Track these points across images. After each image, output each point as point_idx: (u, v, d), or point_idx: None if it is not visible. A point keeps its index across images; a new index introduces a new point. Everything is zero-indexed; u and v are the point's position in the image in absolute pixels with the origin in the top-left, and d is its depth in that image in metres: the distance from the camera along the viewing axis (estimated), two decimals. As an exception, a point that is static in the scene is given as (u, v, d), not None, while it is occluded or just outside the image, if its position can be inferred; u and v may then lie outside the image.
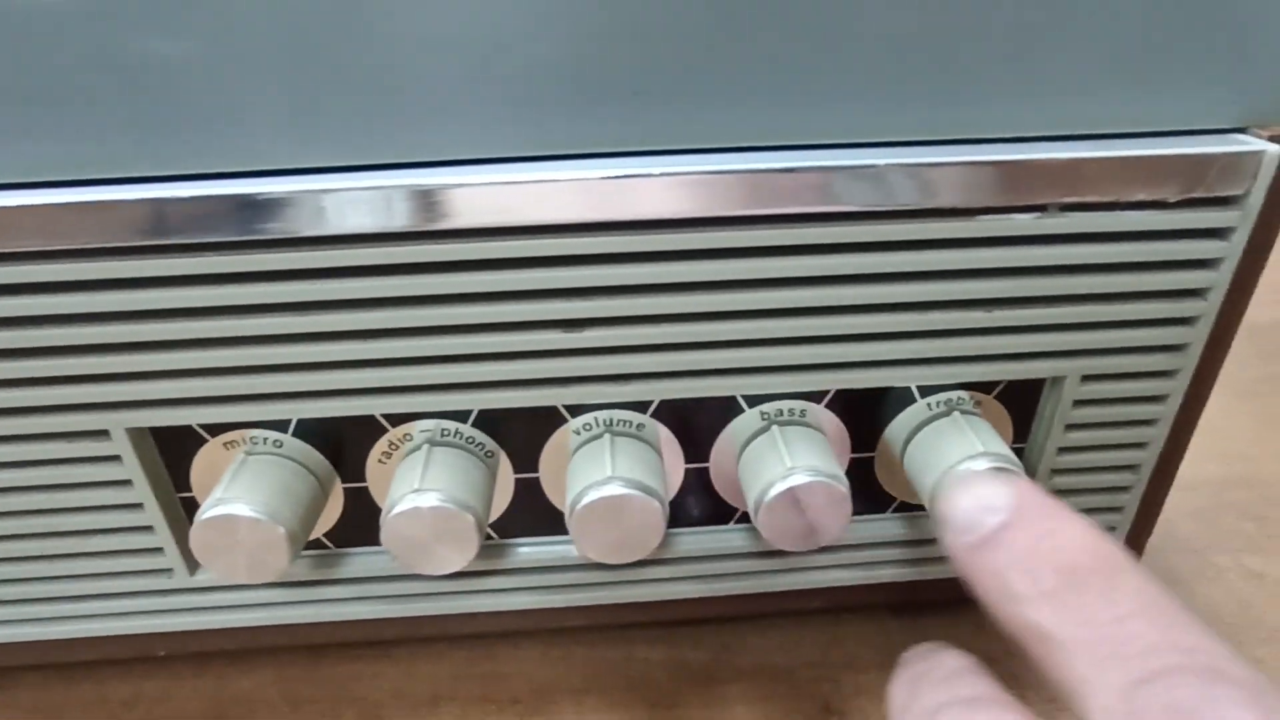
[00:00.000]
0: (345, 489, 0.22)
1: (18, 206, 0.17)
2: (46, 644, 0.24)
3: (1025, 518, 0.15)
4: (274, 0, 0.16)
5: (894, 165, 0.18)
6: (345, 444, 0.22)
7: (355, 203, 0.17)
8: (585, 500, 0.19)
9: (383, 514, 0.20)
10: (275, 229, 0.18)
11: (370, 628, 0.24)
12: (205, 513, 0.19)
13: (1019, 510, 0.15)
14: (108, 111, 0.17)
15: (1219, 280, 0.19)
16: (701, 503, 0.23)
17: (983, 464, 0.20)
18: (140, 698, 0.27)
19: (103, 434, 0.20)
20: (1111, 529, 0.24)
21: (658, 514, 0.19)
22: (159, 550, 0.22)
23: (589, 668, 0.27)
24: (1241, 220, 0.19)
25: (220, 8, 0.16)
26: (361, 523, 0.23)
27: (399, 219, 0.18)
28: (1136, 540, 0.24)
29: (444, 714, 0.26)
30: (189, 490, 0.22)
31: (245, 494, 0.20)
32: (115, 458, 0.20)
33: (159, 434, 0.21)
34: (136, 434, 0.20)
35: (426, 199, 0.17)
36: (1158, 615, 0.14)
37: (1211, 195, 0.18)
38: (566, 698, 0.26)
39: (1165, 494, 0.24)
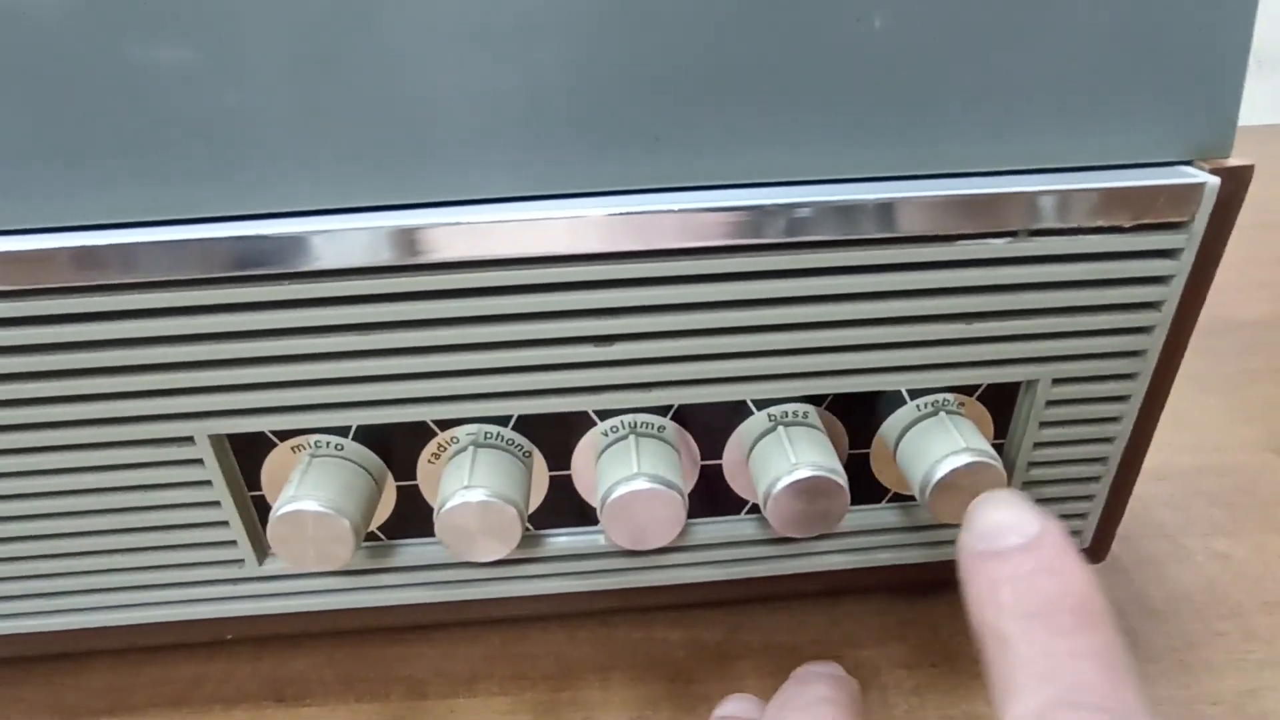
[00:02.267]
0: (398, 486, 0.25)
1: (117, 244, 0.20)
2: (126, 629, 0.26)
3: (1040, 550, 0.17)
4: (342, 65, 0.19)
5: (884, 199, 0.20)
6: (398, 446, 0.24)
7: (407, 238, 0.20)
8: (615, 494, 0.22)
9: (436, 508, 0.22)
10: (337, 261, 0.20)
11: (417, 612, 0.27)
12: (280, 508, 0.22)
13: (1038, 541, 0.17)
14: (193, 164, 0.19)
15: (1171, 294, 0.22)
16: (715, 495, 0.26)
17: (965, 458, 0.23)
18: (205, 679, 0.29)
19: (188, 440, 0.23)
20: (1083, 515, 0.26)
21: (679, 506, 0.22)
22: (233, 543, 0.25)
23: (612, 647, 0.30)
24: (1188, 242, 0.21)
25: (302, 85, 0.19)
26: (412, 516, 0.25)
27: (449, 250, 0.20)
28: (1107, 526, 0.27)
29: (482, 690, 0.29)
30: (259, 489, 0.24)
31: (314, 492, 0.22)
32: (198, 461, 0.23)
33: (235, 440, 0.23)
34: (216, 440, 0.23)
35: (470, 232, 0.20)
36: (1105, 666, 0.15)
37: (1161, 221, 0.21)
38: (593, 675, 0.29)
39: (1133, 483, 0.26)
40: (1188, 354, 0.46)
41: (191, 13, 0.18)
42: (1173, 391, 0.42)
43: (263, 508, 0.25)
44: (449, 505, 0.22)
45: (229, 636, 0.28)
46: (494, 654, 0.30)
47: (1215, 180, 0.21)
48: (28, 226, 0.20)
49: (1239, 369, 0.45)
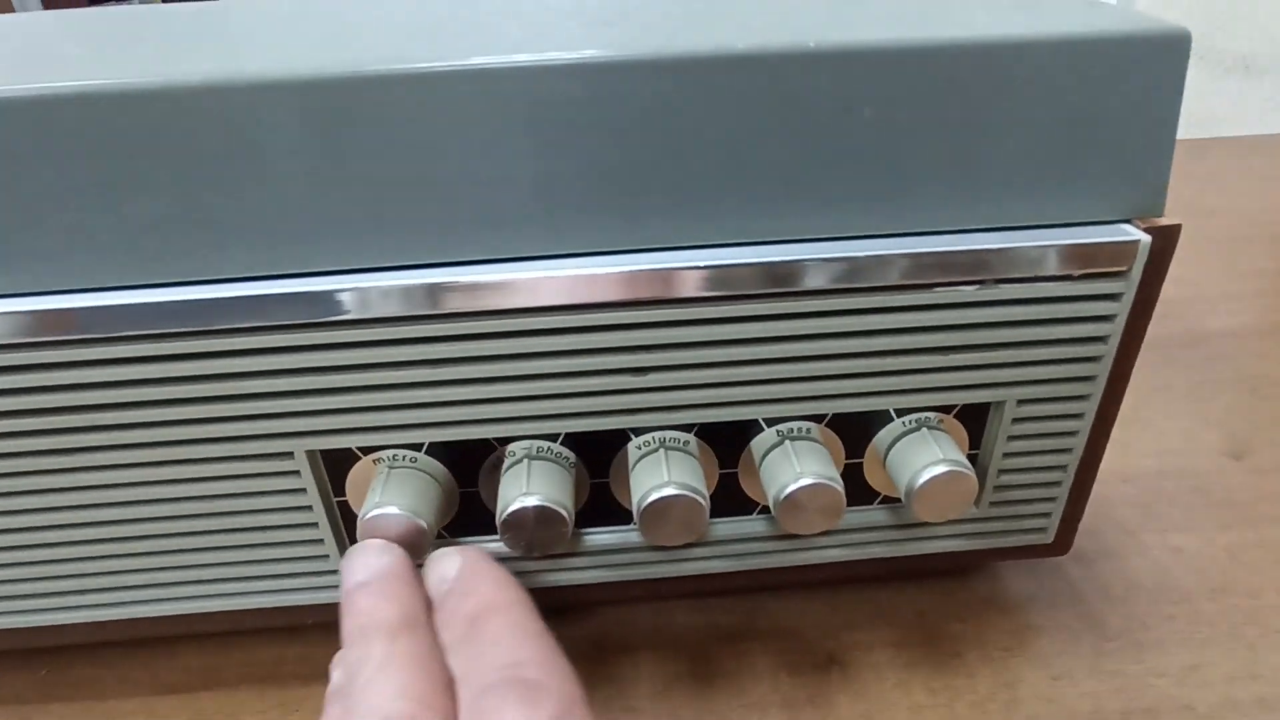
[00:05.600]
0: (461, 493, 0.29)
1: (236, 298, 0.24)
2: (226, 614, 0.30)
3: (458, 585, 0.22)
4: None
5: (875, 254, 0.24)
6: (463, 459, 0.28)
7: (474, 290, 0.24)
8: (650, 499, 0.26)
9: (498, 512, 0.26)
10: (416, 309, 0.24)
11: (472, 600, 0.31)
12: (369, 512, 0.26)
13: (458, 578, 0.23)
14: (293, 232, 0.24)
15: (1114, 329, 0.26)
16: (731, 498, 0.30)
17: (943, 468, 0.27)
18: (284, 659, 0.34)
19: (287, 455, 0.27)
20: (1047, 515, 0.31)
21: (702, 508, 0.26)
22: (320, 541, 0.29)
23: (639, 631, 0.34)
24: (1127, 287, 0.25)
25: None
26: (473, 518, 0.30)
27: (510, 299, 0.24)
28: (1069, 524, 0.31)
29: (527, 668, 0.33)
30: (343, 495, 0.29)
31: (396, 498, 0.26)
32: (295, 472, 0.27)
33: (326, 454, 0.28)
34: (311, 455, 0.27)
35: (528, 284, 0.24)
36: (511, 642, 0.20)
37: (1104, 270, 0.25)
38: (623, 654, 0.33)
39: (1090, 486, 0.30)
40: (1158, 363, 0.51)
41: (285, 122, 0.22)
42: (1141, 399, 0.46)
43: (347, 511, 0.29)
44: (511, 509, 0.26)
45: (309, 622, 0.32)
46: (535, 637, 0.34)
47: (1148, 238, 0.25)
48: (156, 281, 0.24)
49: (1204, 378, 0.49)
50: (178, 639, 0.34)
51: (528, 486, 0.26)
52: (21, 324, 0.24)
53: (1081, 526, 0.32)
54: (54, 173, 0.22)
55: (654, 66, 0.22)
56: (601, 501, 0.30)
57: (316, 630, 0.34)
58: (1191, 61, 0.24)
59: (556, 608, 0.35)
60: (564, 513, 0.26)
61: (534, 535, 0.27)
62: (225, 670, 0.33)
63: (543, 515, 0.26)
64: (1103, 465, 0.30)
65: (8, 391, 0.25)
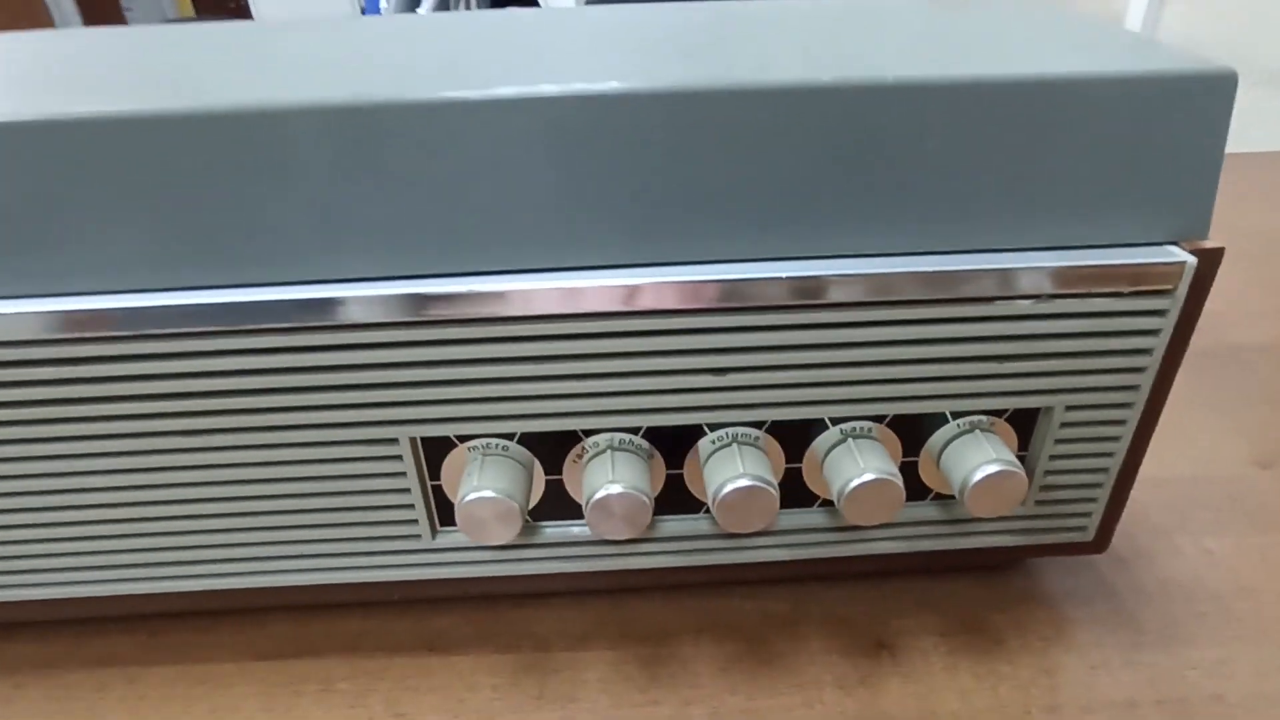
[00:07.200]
0: (546, 479, 0.31)
1: (357, 297, 0.26)
2: (322, 588, 0.33)
3: None
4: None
5: (940, 270, 0.27)
6: (550, 448, 0.31)
7: (573, 294, 0.27)
8: (726, 489, 0.28)
9: (585, 498, 0.29)
10: (514, 310, 0.27)
11: (548, 580, 0.33)
12: (467, 495, 0.29)
13: None
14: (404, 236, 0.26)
15: (1159, 343, 0.28)
16: (794, 491, 0.32)
17: (995, 466, 0.29)
18: (365, 633, 0.36)
19: (392, 441, 0.29)
20: (1088, 515, 0.33)
21: (774, 499, 0.28)
22: (415, 521, 0.31)
23: (699, 615, 0.36)
24: (1172, 305, 0.28)
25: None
26: (556, 503, 0.32)
27: (601, 304, 0.27)
28: (1109, 523, 0.33)
29: (595, 646, 0.35)
30: (438, 480, 0.31)
31: (491, 483, 0.29)
32: (398, 457, 0.30)
33: (426, 441, 0.30)
34: (414, 441, 0.30)
35: (617, 290, 0.27)
36: None
37: (1152, 289, 0.27)
38: (686, 636, 0.35)
39: (1129, 488, 0.32)
40: (1191, 376, 0.52)
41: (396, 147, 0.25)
42: (1175, 409, 0.48)
43: (440, 494, 0.31)
44: (598, 495, 0.28)
45: (396, 597, 0.34)
46: (601, 618, 0.36)
47: (1193, 259, 0.27)
48: (269, 280, 0.27)
49: (1235, 391, 0.51)
50: (265, 609, 0.37)
51: (613, 475, 0.29)
52: (158, 315, 0.26)
53: (1117, 528, 0.34)
54: (167, 187, 0.25)
55: (735, 96, 0.25)
56: (673, 491, 0.32)
57: (394, 605, 0.37)
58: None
59: (609, 592, 0.37)
60: (646, 499, 0.29)
61: (617, 520, 0.29)
62: (313, 639, 0.36)
63: (626, 501, 0.29)
64: (1140, 470, 0.32)
65: (138, 377, 0.27)
